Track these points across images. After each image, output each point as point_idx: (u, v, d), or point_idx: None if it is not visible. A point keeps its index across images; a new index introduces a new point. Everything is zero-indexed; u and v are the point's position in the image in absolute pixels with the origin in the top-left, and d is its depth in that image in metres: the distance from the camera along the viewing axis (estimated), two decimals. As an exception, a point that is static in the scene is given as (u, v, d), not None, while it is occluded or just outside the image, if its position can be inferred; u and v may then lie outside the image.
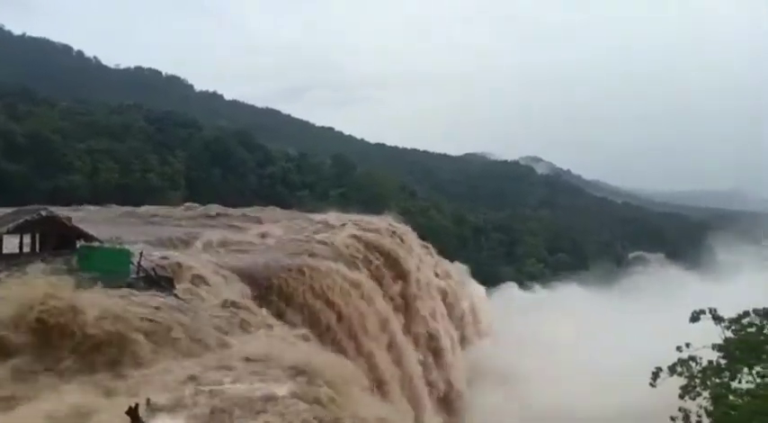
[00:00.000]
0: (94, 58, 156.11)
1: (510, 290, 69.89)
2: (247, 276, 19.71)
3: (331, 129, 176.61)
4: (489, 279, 68.47)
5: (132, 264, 16.62)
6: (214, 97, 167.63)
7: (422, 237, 51.03)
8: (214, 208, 43.46)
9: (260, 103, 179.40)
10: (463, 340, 42.67)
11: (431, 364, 34.03)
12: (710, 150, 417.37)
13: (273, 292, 19.87)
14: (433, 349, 35.35)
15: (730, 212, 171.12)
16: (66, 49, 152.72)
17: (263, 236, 29.47)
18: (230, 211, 42.05)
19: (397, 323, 29.88)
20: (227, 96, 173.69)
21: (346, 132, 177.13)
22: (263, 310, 17.99)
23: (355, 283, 25.48)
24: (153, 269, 16.52)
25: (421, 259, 40.60)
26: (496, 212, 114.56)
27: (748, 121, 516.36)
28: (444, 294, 42.66)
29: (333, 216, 41.15)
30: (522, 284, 76.40)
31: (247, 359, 11.98)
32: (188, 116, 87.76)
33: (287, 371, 11.60)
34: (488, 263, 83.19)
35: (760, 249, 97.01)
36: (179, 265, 18.37)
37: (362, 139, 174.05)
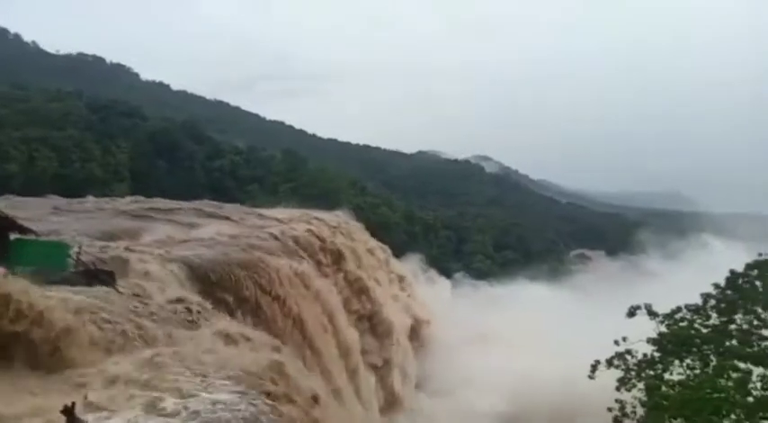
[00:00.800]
0: (33, 42, 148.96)
1: (461, 284, 70.92)
2: (194, 271, 19.28)
3: (282, 123, 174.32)
4: (441, 275, 69.81)
5: (71, 258, 16.00)
6: (160, 87, 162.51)
7: (373, 233, 51.36)
8: (160, 201, 42.21)
9: (209, 94, 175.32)
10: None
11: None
12: (651, 152, 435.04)
13: (221, 287, 19.49)
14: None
15: (669, 212, 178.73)
16: (2, 31, 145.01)
17: (212, 230, 28.85)
18: (177, 204, 40.89)
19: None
20: (175, 86, 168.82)
21: (298, 126, 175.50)
22: (210, 306, 17.63)
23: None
24: (93, 263, 15.95)
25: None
26: (446, 210, 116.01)
27: (691, 124, 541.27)
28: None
29: (284, 212, 40.74)
30: (470, 280, 77.92)
31: (190, 357, 11.72)
32: (132, 105, 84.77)
33: (233, 371, 11.41)
34: (438, 259, 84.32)
35: (696, 247, 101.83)
36: (121, 258, 17.81)
37: (314, 134, 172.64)
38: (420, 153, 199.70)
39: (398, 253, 57.12)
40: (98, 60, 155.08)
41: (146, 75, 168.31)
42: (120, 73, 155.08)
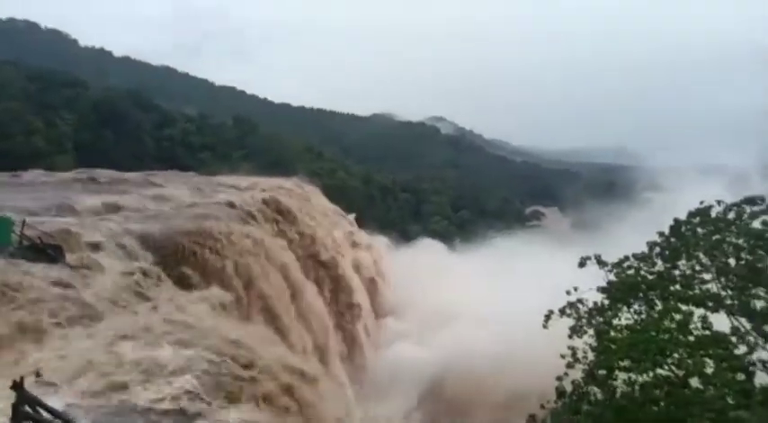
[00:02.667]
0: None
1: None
2: (147, 242, 18.84)
3: (233, 88, 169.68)
4: (401, 237, 70.46)
5: (15, 233, 15.42)
6: (102, 54, 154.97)
7: (330, 198, 51.19)
8: (108, 172, 40.79)
9: (154, 60, 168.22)
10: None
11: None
12: (596, 108, 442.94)
13: (174, 257, 19.13)
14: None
15: (616, 167, 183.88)
16: None
17: (164, 200, 28.09)
18: (126, 175, 39.57)
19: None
20: (117, 52, 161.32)
21: (249, 91, 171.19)
22: (163, 276, 17.34)
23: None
24: (39, 238, 15.39)
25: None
26: (404, 173, 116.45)
27: (633, 79, 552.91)
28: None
29: (237, 179, 39.98)
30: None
31: (146, 329, 11.56)
32: (73, 74, 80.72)
33: (188, 340, 11.32)
34: (397, 222, 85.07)
35: (642, 199, 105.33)
36: (69, 232, 17.22)
37: (266, 99, 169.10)
38: (375, 116, 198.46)
39: (358, 217, 57.24)
40: (32, 26, 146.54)
41: (85, 41, 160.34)
42: (57, 40, 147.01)
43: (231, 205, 27.20)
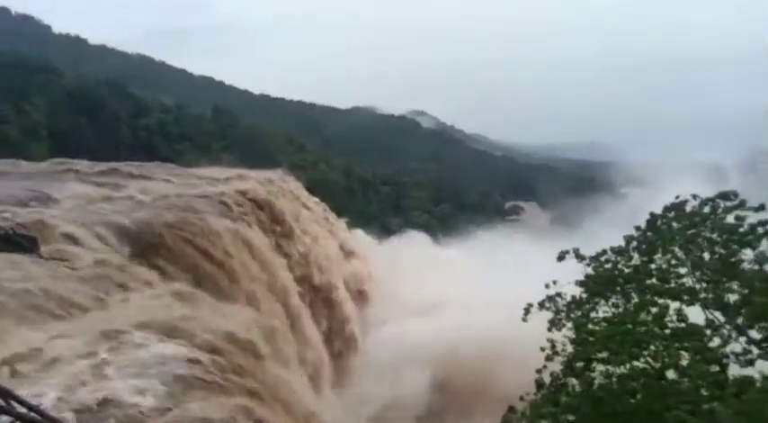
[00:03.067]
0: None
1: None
2: (126, 234, 18.51)
3: (211, 78, 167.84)
4: (382, 231, 70.53)
5: (-13, 224, 15.06)
6: (77, 41, 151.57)
7: (312, 191, 50.78)
8: (85, 162, 39.87)
9: (131, 49, 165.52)
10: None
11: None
12: (571, 105, 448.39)
13: (153, 249, 18.83)
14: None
15: (591, 163, 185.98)
16: None
17: (142, 191, 27.51)
18: (110, 165, 38.67)
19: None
20: (93, 40, 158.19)
21: (228, 82, 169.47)
22: (144, 269, 17.08)
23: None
24: (11, 228, 15.03)
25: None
26: (385, 166, 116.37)
27: (611, 77, 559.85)
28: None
29: (219, 171, 39.35)
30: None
31: (125, 322, 11.38)
32: (46, 61, 78.77)
33: (168, 333, 11.16)
34: (378, 215, 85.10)
35: (620, 194, 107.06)
36: (44, 223, 16.83)
37: (246, 90, 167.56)
38: (356, 108, 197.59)
39: (339, 210, 56.80)
40: (1, 11, 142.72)
41: (58, 27, 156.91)
42: (29, 25, 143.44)
43: (211, 198, 26.42)
